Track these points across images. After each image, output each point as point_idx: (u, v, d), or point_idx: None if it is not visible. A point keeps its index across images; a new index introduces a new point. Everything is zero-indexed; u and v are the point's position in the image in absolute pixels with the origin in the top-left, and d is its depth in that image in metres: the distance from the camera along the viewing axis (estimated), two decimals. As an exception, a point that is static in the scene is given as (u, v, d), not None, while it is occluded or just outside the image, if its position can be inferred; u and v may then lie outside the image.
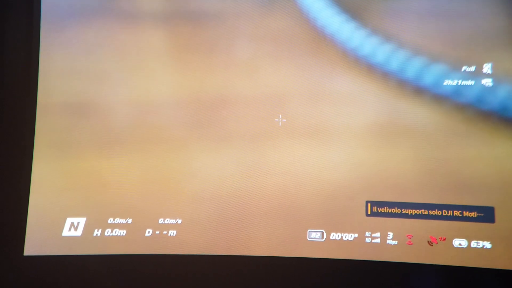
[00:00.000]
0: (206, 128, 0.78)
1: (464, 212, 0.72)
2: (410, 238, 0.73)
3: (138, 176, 0.78)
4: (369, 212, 0.75)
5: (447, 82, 0.74)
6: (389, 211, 0.74)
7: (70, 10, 0.82)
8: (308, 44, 0.78)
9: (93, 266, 0.77)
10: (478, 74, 0.74)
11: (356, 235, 0.74)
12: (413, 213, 0.73)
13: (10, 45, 0.82)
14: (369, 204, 0.75)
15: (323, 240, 0.75)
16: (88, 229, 0.78)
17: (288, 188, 0.76)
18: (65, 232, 0.78)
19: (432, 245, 0.73)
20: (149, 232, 0.77)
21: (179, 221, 0.77)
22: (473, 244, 0.72)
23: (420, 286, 0.74)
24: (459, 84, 0.74)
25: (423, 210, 0.73)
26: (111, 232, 0.77)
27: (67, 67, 0.80)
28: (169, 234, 0.77)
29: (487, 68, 0.74)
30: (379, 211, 0.74)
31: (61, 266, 0.77)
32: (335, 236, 0.75)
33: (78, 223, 0.78)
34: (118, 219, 0.78)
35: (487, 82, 0.74)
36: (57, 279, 0.77)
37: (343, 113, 0.77)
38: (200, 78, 0.79)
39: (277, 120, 0.78)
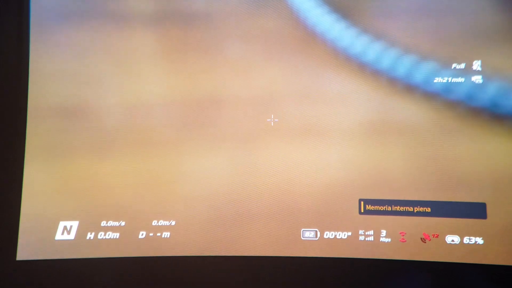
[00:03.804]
0: (199, 129, 0.78)
1: (456, 208, 0.73)
2: (403, 235, 0.73)
3: (131, 178, 0.78)
4: (362, 210, 0.75)
5: (438, 79, 0.75)
6: (382, 209, 0.74)
7: (60, 13, 0.81)
8: (299, 43, 0.78)
9: (87, 269, 0.76)
10: (468, 71, 0.74)
11: (349, 233, 0.75)
12: (406, 211, 0.74)
13: (0, 48, 0.82)
14: (362, 202, 0.75)
15: (317, 239, 0.75)
16: (81, 232, 0.77)
17: (281, 187, 0.76)
18: (58, 236, 0.77)
19: (425, 242, 0.73)
20: (142, 234, 0.77)
21: (173, 223, 0.77)
22: (466, 240, 0.72)
23: (414, 283, 0.74)
24: (449, 81, 0.75)
25: (415, 207, 0.74)
26: (104, 235, 0.77)
27: (57, 69, 0.80)
28: (162, 236, 0.77)
29: (476, 65, 0.74)
30: (372, 209, 0.74)
31: (55, 270, 0.76)
32: (328, 234, 0.75)
33: (71, 226, 0.77)
34: (111, 221, 0.77)
35: (477, 79, 0.74)
36: (50, 284, 0.77)
37: (334, 112, 0.77)
38: (192, 79, 0.79)
39: (269, 120, 0.78)
